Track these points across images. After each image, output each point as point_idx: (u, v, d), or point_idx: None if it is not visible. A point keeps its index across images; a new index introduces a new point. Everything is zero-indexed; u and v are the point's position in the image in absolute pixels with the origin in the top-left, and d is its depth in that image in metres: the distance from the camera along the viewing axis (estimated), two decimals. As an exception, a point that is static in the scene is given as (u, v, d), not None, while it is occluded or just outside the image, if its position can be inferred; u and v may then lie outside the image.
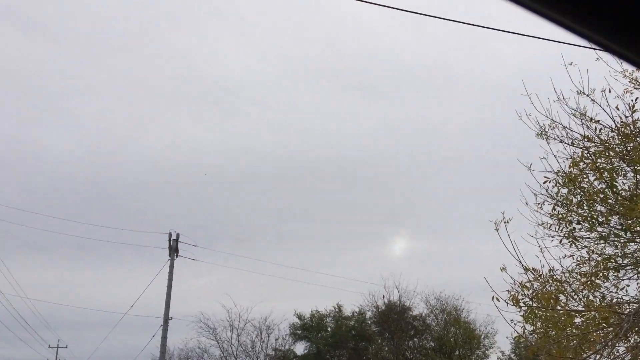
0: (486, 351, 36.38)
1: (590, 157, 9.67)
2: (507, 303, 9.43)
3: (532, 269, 9.62)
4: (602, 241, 10.00)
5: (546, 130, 10.06)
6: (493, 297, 9.37)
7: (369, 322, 38.48)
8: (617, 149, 9.62)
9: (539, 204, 10.22)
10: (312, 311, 38.86)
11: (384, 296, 36.73)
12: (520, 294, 9.45)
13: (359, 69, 60.40)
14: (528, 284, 9.54)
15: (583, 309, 9.36)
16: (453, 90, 59.76)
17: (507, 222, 9.43)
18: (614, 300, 9.71)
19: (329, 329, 38.69)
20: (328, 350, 37.75)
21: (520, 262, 9.57)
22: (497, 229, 9.39)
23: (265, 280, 55.60)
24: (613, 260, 9.89)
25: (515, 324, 9.76)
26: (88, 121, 58.59)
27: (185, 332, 50.35)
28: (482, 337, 36.27)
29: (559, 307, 9.28)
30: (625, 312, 9.14)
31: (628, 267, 9.91)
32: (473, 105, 58.28)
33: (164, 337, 28.08)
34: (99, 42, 61.26)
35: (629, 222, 9.31)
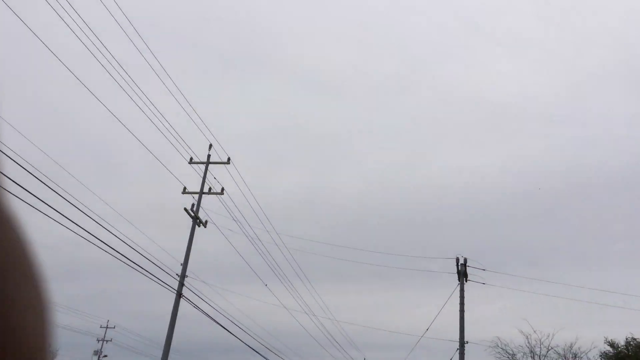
0: None
1: None
2: None
3: None
4: None
5: None
6: None
7: None
8: None
9: None
10: (627, 338, 34.83)
11: None
12: None
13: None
14: None
15: None
16: None
17: None
18: None
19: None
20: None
21: None
22: None
23: (565, 305, 51.53)
24: None
25: None
26: (370, 161, 63.84)
27: (481, 357, 49.58)
28: None
29: None
30: None
31: None
32: None
33: (462, 361, 28.33)
34: (376, 86, 66.53)
35: None
